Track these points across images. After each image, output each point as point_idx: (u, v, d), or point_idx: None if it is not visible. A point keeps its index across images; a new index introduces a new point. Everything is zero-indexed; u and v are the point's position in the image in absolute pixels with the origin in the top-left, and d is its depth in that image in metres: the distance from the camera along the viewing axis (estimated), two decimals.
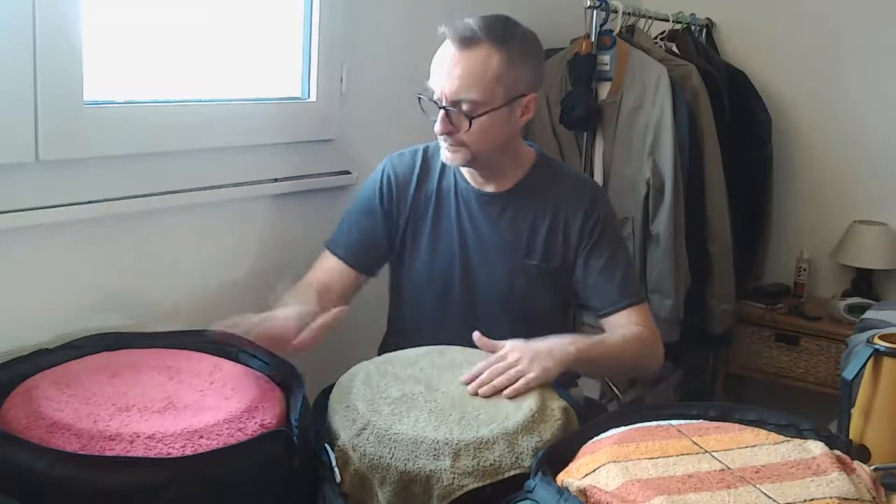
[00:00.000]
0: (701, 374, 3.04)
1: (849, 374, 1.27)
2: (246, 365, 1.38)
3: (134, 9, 1.56)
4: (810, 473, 1.04)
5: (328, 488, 1.16)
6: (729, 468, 1.05)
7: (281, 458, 1.14)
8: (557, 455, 1.15)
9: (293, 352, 1.37)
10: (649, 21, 2.78)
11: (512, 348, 1.38)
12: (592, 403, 2.00)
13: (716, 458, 1.07)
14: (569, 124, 2.51)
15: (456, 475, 1.13)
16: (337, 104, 1.93)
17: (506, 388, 1.30)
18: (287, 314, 1.40)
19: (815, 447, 1.10)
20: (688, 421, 1.20)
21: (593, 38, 2.50)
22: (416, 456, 1.14)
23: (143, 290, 1.58)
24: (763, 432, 1.16)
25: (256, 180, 1.77)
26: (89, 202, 1.44)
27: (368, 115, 2.02)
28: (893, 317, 1.89)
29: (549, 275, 1.65)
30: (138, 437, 1.09)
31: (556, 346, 1.40)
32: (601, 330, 1.62)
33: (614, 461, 1.06)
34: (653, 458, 1.07)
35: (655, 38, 2.84)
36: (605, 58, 2.52)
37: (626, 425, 1.19)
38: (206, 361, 1.36)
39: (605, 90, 2.55)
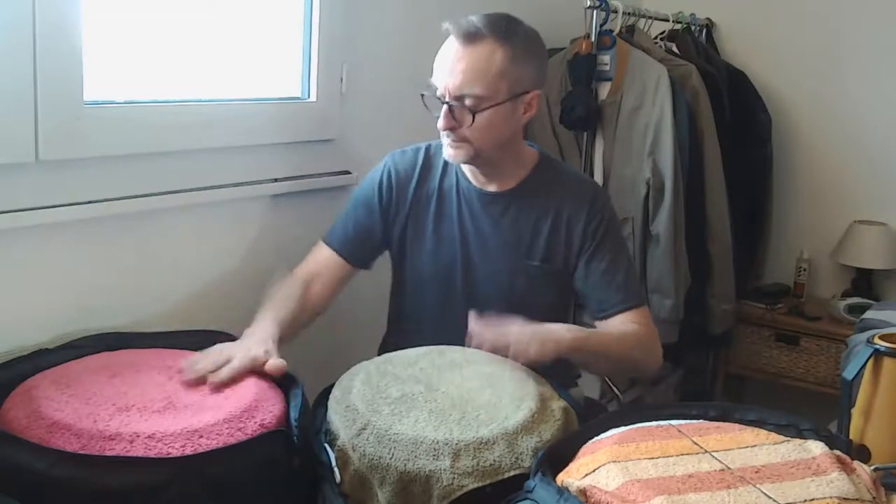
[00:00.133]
0: (701, 374, 3.04)
1: (849, 374, 1.27)
2: None
3: (134, 9, 1.56)
4: (810, 473, 1.04)
5: (328, 488, 1.16)
6: (729, 468, 1.05)
7: (281, 458, 1.14)
8: (557, 455, 1.15)
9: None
10: (649, 21, 2.78)
11: (513, 330, 1.43)
12: (592, 403, 2.00)
13: (716, 458, 1.07)
14: (569, 124, 2.51)
15: (456, 475, 1.13)
16: (337, 104, 1.93)
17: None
18: (252, 347, 1.37)
19: (815, 447, 1.10)
20: (688, 421, 1.20)
21: (593, 38, 2.50)
22: (415, 456, 1.14)
23: (143, 290, 1.58)
24: (763, 432, 1.15)
25: (256, 180, 1.77)
26: (89, 202, 1.44)
27: (368, 115, 2.02)
28: (893, 317, 1.89)
29: (550, 275, 1.65)
30: (138, 436, 1.09)
31: (553, 330, 1.44)
32: None
33: (614, 461, 1.06)
34: (653, 458, 1.07)
35: (655, 38, 2.84)
36: (605, 58, 2.52)
37: (626, 425, 1.19)
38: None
39: (605, 90, 2.56)
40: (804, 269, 3.00)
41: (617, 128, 2.54)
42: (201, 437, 1.11)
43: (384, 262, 1.75)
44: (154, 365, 1.32)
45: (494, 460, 1.15)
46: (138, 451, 1.07)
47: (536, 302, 1.66)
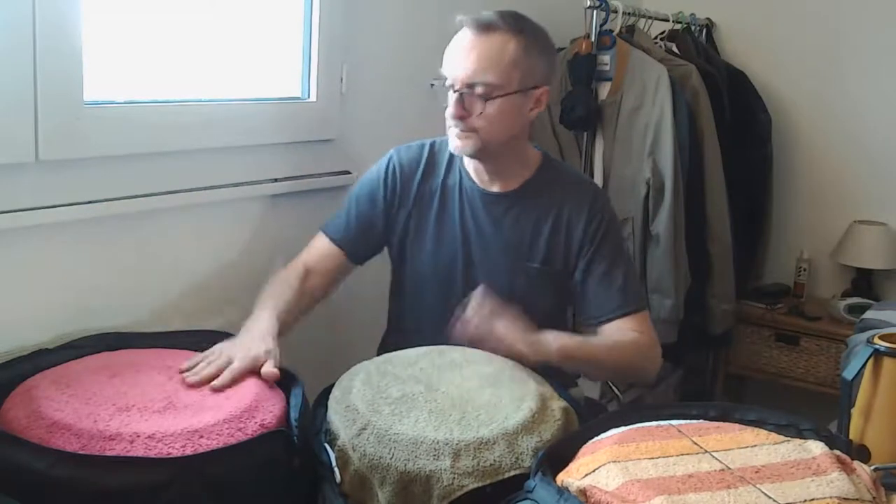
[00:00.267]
0: (701, 374, 3.04)
1: (849, 374, 1.27)
2: None
3: (134, 9, 1.56)
4: (810, 473, 1.04)
5: (328, 488, 1.16)
6: (729, 468, 1.05)
7: (281, 458, 1.14)
8: (557, 455, 1.15)
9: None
10: (649, 21, 2.78)
11: (506, 320, 1.45)
12: (592, 403, 2.00)
13: (716, 458, 1.07)
14: (569, 124, 2.51)
15: (456, 475, 1.13)
16: (337, 104, 1.93)
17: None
18: (251, 348, 1.37)
19: (815, 447, 1.10)
20: (688, 421, 1.20)
21: (593, 38, 2.50)
22: (416, 456, 1.14)
23: (143, 290, 1.58)
24: (763, 432, 1.15)
25: (256, 180, 1.77)
26: (89, 202, 1.44)
27: (368, 115, 2.02)
28: (893, 317, 1.90)
29: (549, 276, 1.65)
30: (138, 436, 1.09)
31: (542, 339, 1.45)
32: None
33: (614, 461, 1.06)
34: (653, 458, 1.07)
35: (655, 38, 2.84)
36: (605, 58, 2.52)
37: (626, 425, 1.19)
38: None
39: (605, 90, 2.56)
40: (804, 269, 3.00)
41: (617, 128, 2.54)
42: (201, 437, 1.11)
43: (384, 262, 1.75)
44: (154, 365, 1.32)
45: (495, 460, 1.15)
46: (138, 451, 1.07)
47: (536, 303, 1.66)
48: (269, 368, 1.31)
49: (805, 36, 2.97)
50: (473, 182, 1.65)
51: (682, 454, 1.09)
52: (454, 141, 1.56)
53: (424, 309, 1.70)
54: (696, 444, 1.11)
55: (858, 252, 2.85)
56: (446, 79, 1.53)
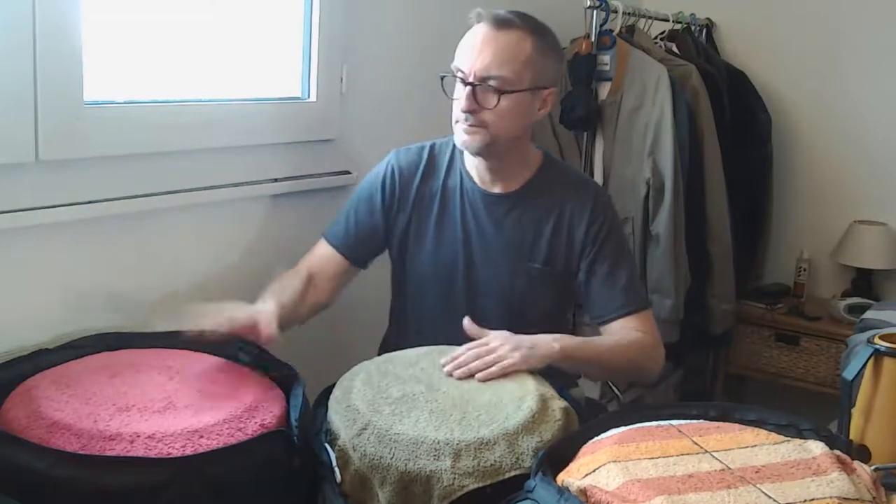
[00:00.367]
0: (701, 374, 3.04)
1: (849, 374, 1.27)
2: (246, 365, 1.38)
3: (134, 9, 1.56)
4: (810, 473, 1.04)
5: (328, 488, 1.16)
6: (729, 468, 1.05)
7: (281, 458, 1.14)
8: (558, 455, 1.15)
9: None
10: (649, 21, 2.78)
11: (496, 336, 1.42)
12: (592, 403, 2.00)
13: (716, 458, 1.07)
14: (569, 124, 2.51)
15: (456, 475, 1.13)
16: (337, 104, 1.93)
17: (481, 371, 1.34)
18: (258, 309, 1.41)
19: (816, 447, 1.10)
20: (688, 421, 1.20)
21: (593, 38, 2.50)
22: (416, 456, 1.14)
23: (143, 290, 1.58)
24: (763, 432, 1.15)
25: (256, 180, 1.77)
26: (89, 202, 1.44)
27: (368, 115, 2.02)
28: (893, 317, 1.89)
29: (551, 277, 1.65)
30: (138, 436, 1.09)
31: (540, 341, 1.43)
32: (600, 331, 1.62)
33: (614, 461, 1.06)
34: (653, 458, 1.07)
35: (655, 38, 2.84)
36: (605, 58, 2.52)
37: (626, 425, 1.19)
38: (207, 361, 1.36)
39: (605, 90, 2.56)
40: (804, 269, 3.00)
41: (617, 128, 2.54)
42: (201, 437, 1.11)
43: (385, 262, 1.75)
44: (154, 365, 1.32)
45: (495, 460, 1.15)
46: (138, 451, 1.07)
47: (537, 303, 1.66)
48: (267, 328, 1.34)
49: (805, 36, 2.97)
50: (474, 183, 1.65)
51: (683, 454, 1.09)
52: (461, 136, 1.56)
53: (426, 309, 1.70)
54: (696, 444, 1.11)
55: (858, 252, 2.85)
56: (458, 71, 1.53)
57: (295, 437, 1.18)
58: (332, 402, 1.28)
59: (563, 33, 2.57)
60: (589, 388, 2.17)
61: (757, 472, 1.04)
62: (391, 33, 2.06)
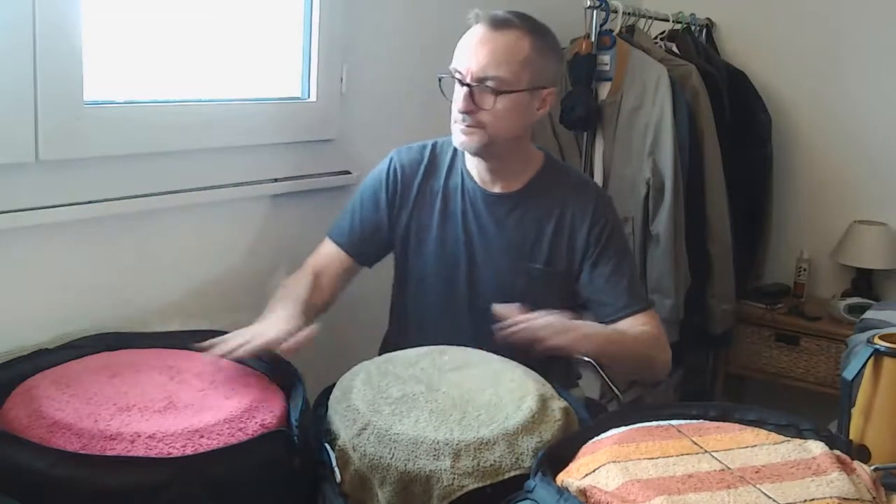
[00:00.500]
0: (701, 374, 3.04)
1: (849, 374, 1.27)
2: (246, 365, 1.38)
3: (134, 9, 1.56)
4: (810, 473, 1.04)
5: (328, 488, 1.16)
6: (729, 468, 1.05)
7: (281, 458, 1.14)
8: (557, 455, 1.15)
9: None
10: (649, 21, 2.78)
11: (548, 314, 1.47)
12: (592, 403, 2.00)
13: (716, 458, 1.07)
14: (569, 124, 2.51)
15: (456, 475, 1.13)
16: (337, 104, 1.93)
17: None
18: (270, 328, 1.40)
19: (815, 447, 1.10)
20: (688, 421, 1.20)
21: (593, 38, 2.50)
22: (416, 456, 1.14)
23: (143, 290, 1.58)
24: (763, 432, 1.15)
25: (256, 180, 1.77)
26: (89, 202, 1.44)
27: (368, 115, 2.02)
28: (893, 317, 1.89)
29: (551, 278, 1.65)
30: (139, 436, 1.09)
31: (583, 325, 1.51)
32: None
33: (614, 461, 1.06)
34: (653, 458, 1.07)
35: (655, 38, 2.84)
36: (605, 58, 2.52)
37: (626, 425, 1.19)
38: (207, 361, 1.36)
39: (605, 90, 2.56)
40: (804, 269, 3.00)
41: (617, 128, 2.54)
42: (202, 437, 1.11)
43: (384, 262, 1.75)
44: (154, 365, 1.32)
45: (495, 461, 1.15)
46: (139, 450, 1.07)
47: (538, 304, 1.65)
48: (288, 345, 1.35)
49: (805, 36, 2.97)
50: (475, 183, 1.65)
51: (682, 454, 1.09)
52: (459, 136, 1.56)
53: (427, 309, 1.70)
54: (696, 444, 1.11)
55: (858, 252, 2.85)
56: (456, 72, 1.53)
57: (295, 437, 1.18)
58: (332, 402, 1.28)
59: (563, 33, 2.57)
60: (589, 388, 2.17)
61: (757, 472, 1.04)
62: (391, 33, 2.06)
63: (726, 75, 2.83)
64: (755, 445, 1.11)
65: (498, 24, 1.51)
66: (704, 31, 3.06)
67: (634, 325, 1.59)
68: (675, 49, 2.85)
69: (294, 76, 1.88)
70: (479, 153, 1.59)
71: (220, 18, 1.71)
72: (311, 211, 1.89)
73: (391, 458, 1.14)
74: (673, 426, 1.17)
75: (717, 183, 2.61)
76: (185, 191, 1.61)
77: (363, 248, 1.69)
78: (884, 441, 1.24)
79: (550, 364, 1.58)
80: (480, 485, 1.13)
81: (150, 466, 1.04)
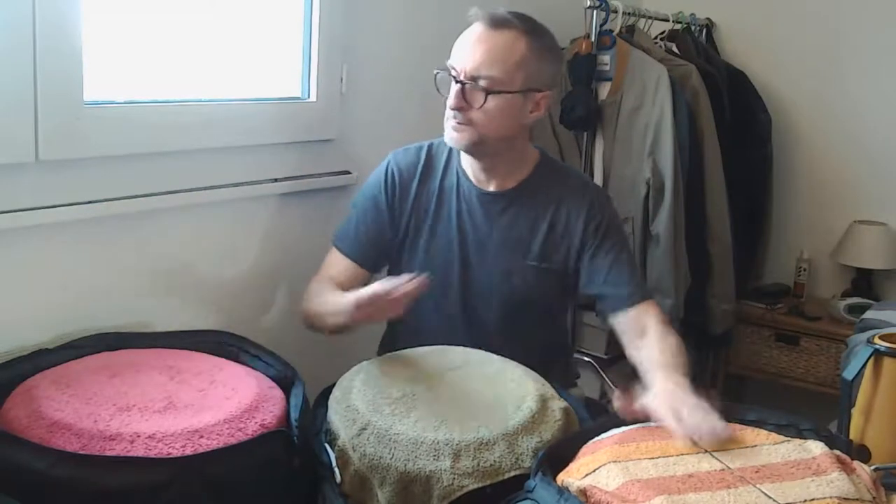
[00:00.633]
0: (701, 374, 3.04)
1: (849, 374, 1.27)
2: (246, 365, 1.38)
3: (134, 9, 1.56)
4: (810, 473, 1.04)
5: (328, 488, 1.16)
6: (729, 468, 1.05)
7: (281, 458, 1.14)
8: (557, 455, 1.15)
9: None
10: (649, 21, 2.78)
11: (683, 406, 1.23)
12: (592, 403, 2.00)
13: (716, 458, 1.07)
14: (569, 124, 2.51)
15: (456, 476, 1.13)
16: (337, 104, 1.93)
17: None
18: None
19: (815, 447, 1.10)
20: None
21: (593, 38, 2.50)
22: (416, 456, 1.14)
23: (143, 290, 1.58)
24: (763, 432, 1.15)
25: (256, 180, 1.77)
26: (89, 202, 1.44)
27: (368, 115, 2.02)
28: (893, 317, 1.90)
29: (546, 276, 1.64)
30: (139, 436, 1.09)
31: (691, 393, 1.28)
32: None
33: (614, 461, 1.06)
34: (653, 458, 1.07)
35: (655, 38, 2.83)
36: (605, 58, 2.52)
37: (626, 425, 1.19)
38: (207, 361, 1.36)
39: (605, 90, 2.55)
40: (804, 269, 3.00)
41: (617, 128, 2.54)
42: (202, 437, 1.11)
43: None
44: (154, 365, 1.32)
45: (495, 461, 1.15)
46: (139, 451, 1.07)
47: (535, 302, 1.66)
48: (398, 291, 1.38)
49: (805, 36, 2.96)
50: (470, 182, 1.65)
51: (682, 454, 1.09)
52: (449, 132, 1.56)
53: (422, 308, 1.69)
54: (696, 443, 1.11)
55: (858, 252, 2.85)
56: (451, 68, 1.53)
57: (295, 437, 1.18)
58: (332, 402, 1.28)
59: (563, 33, 2.57)
60: (589, 389, 2.17)
61: (757, 471, 1.04)
62: (391, 33, 2.06)
63: (726, 75, 2.83)
64: (755, 445, 1.11)
65: (496, 23, 1.51)
66: (704, 31, 3.06)
67: (640, 316, 1.56)
68: (675, 49, 2.85)
69: (294, 76, 1.88)
70: (470, 151, 1.59)
71: (219, 18, 1.71)
72: (311, 211, 1.89)
73: (391, 459, 1.14)
74: None
75: (717, 183, 2.61)
76: (185, 191, 1.61)
77: (370, 255, 1.68)
78: (884, 441, 1.24)
79: (550, 364, 1.58)
80: (480, 485, 1.13)
81: (150, 466, 1.04)
